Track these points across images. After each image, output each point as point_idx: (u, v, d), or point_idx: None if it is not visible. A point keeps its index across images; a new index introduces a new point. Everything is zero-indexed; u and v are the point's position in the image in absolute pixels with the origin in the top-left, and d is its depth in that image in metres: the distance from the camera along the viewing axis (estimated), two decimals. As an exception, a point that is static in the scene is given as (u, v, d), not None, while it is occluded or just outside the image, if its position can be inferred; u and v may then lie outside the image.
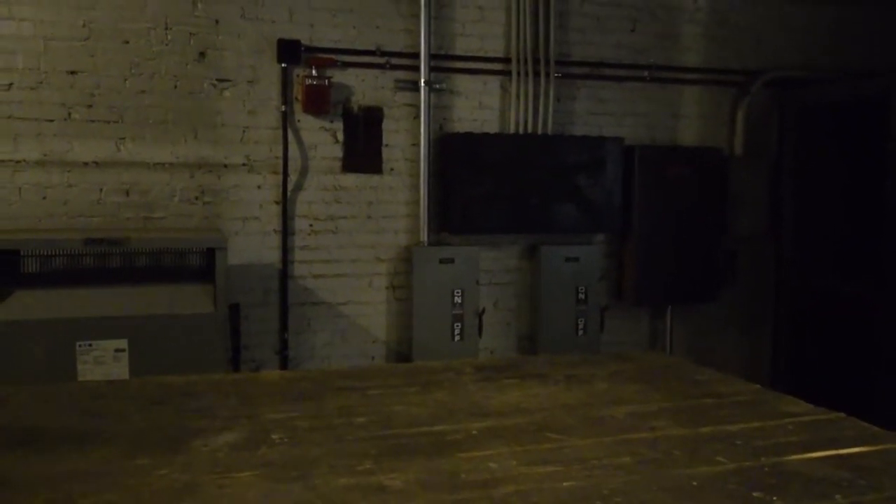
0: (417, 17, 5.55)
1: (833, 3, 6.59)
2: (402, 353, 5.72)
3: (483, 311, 5.77)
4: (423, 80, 5.58)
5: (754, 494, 1.75)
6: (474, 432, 2.17)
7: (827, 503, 1.72)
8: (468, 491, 1.73)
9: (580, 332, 5.97)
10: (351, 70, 5.52)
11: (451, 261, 5.64)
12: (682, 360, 3.35)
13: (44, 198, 4.99)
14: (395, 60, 5.61)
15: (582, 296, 5.97)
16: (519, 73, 5.85)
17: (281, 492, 1.71)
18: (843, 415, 2.39)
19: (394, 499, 1.67)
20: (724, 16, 6.39)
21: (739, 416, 2.40)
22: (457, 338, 5.65)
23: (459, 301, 5.66)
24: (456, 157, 5.68)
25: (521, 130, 5.89)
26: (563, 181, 5.85)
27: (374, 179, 5.64)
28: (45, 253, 4.37)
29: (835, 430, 2.26)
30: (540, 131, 5.91)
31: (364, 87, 5.58)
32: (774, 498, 1.73)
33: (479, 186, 5.68)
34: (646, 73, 6.19)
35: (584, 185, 5.89)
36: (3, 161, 4.90)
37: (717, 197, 6.27)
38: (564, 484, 1.79)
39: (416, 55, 5.58)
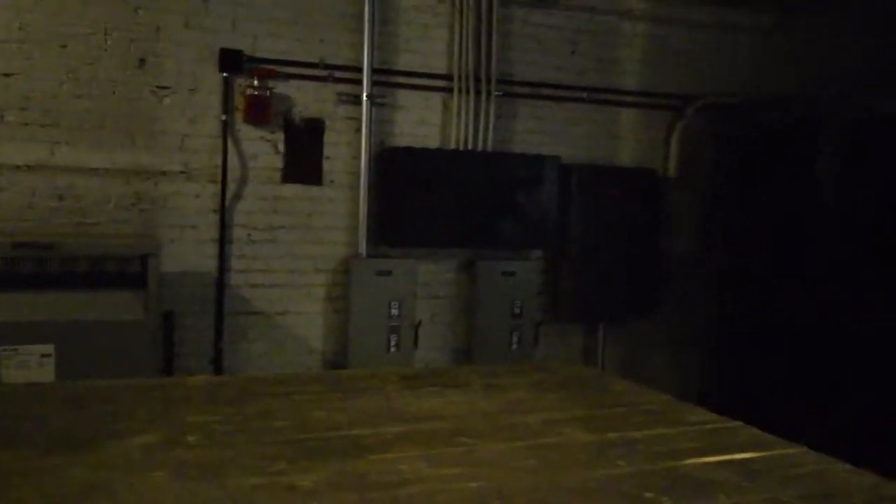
0: (361, 31, 5.60)
1: (765, 31, 6.84)
2: (338, 363, 5.71)
3: (419, 323, 5.82)
4: (365, 94, 5.63)
5: (646, 495, 1.83)
6: (389, 437, 2.21)
7: (712, 503, 1.82)
8: (375, 491, 1.78)
9: (514, 347, 6.04)
10: (293, 81, 5.55)
11: (389, 273, 5.69)
12: (602, 372, 3.44)
13: (-27, 201, 4.92)
14: (338, 73, 5.65)
15: (518, 310, 6.06)
16: (461, 91, 5.94)
17: (191, 490, 1.73)
18: (740, 423, 2.50)
19: (301, 498, 1.71)
20: (661, 41, 6.58)
21: (646, 423, 2.47)
22: (393, 349, 5.68)
23: (396, 313, 5.70)
24: (396, 170, 5.74)
25: (461, 147, 5.98)
26: (502, 197, 5.94)
27: (314, 191, 5.66)
28: (-29, 256, 4.30)
29: (731, 436, 2.37)
30: (480, 148, 6.00)
31: (306, 98, 5.61)
32: (664, 498, 1.81)
33: (418, 200, 5.73)
34: (584, 95, 6.33)
35: (522, 201, 5.99)
36: (-68, 162, 4.83)
37: (651, 217, 6.43)
38: (470, 485, 1.85)
39: (359, 69, 5.62)
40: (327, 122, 5.66)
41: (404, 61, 5.88)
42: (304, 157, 5.60)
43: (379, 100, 5.74)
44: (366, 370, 3.31)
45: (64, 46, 5.01)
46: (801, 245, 5.78)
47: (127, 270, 4.50)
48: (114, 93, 5.14)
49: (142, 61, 5.19)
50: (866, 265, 5.31)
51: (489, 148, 6.02)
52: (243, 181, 5.49)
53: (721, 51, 6.74)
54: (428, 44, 5.94)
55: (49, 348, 3.93)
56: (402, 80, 5.87)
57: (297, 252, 5.64)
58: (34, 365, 3.88)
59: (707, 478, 1.98)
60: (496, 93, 6.03)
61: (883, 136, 5.26)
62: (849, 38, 7.01)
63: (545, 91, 6.25)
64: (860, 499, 1.91)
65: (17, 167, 4.95)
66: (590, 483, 1.90)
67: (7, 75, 4.90)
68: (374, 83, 5.66)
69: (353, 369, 4.97)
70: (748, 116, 6.51)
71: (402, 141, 5.87)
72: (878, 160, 5.31)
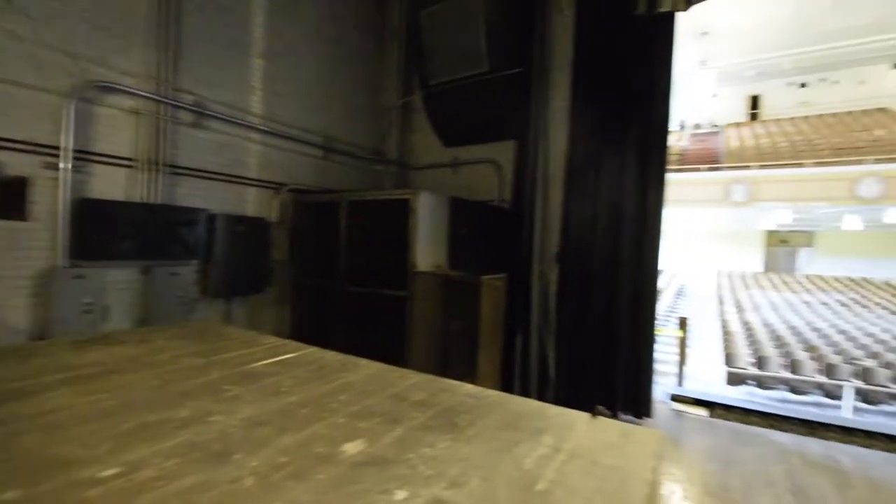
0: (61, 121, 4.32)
1: (319, 157, 7.06)
2: (44, 337, 4.29)
3: (108, 306, 4.69)
4: (65, 165, 4.34)
5: (225, 387, 1.76)
6: (51, 382, 1.75)
7: (261, 385, 1.81)
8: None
9: (181, 315, 5.26)
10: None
11: (83, 277, 4.47)
12: (220, 324, 3.12)
13: None
14: (42, 150, 4.25)
15: (182, 294, 5.29)
16: (141, 170, 4.95)
17: None
18: (291, 341, 2.45)
19: None
20: (268, 154, 6.31)
21: (236, 348, 2.33)
22: (90, 323, 4.47)
23: (91, 301, 4.51)
24: (93, 215, 4.54)
25: (144, 200, 4.97)
26: (171, 230, 5.13)
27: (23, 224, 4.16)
28: None
29: (283, 348, 2.33)
30: (156, 201, 5.07)
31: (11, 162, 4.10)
32: (236, 387, 1.76)
33: (110, 232, 4.61)
34: (224, 177, 5.80)
35: (186, 233, 5.25)
36: None
37: (263, 242, 6.15)
38: (104, 405, 1.58)
39: (58, 147, 4.31)
40: (31, 181, 4.21)
41: (101, 147, 4.67)
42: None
43: (82, 169, 4.47)
44: (45, 341, 2.52)
45: None
46: (335, 258, 6.09)
47: None
48: None
49: None
50: (357, 266, 5.86)
51: (160, 201, 5.12)
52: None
53: (297, 164, 6.73)
54: (119, 136, 4.81)
55: None
56: (97, 158, 4.65)
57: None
58: None
59: (263, 372, 1.96)
60: (167, 172, 5.16)
61: (370, 207, 5.83)
62: (352, 163, 7.66)
63: (200, 173, 5.54)
64: (337, 364, 2.08)
65: None
66: (190, 388, 1.75)
67: None
68: (74, 159, 4.40)
69: (46, 339, 3.77)
70: (310, 195, 6.65)
71: (99, 195, 4.64)
72: (366, 218, 5.85)
